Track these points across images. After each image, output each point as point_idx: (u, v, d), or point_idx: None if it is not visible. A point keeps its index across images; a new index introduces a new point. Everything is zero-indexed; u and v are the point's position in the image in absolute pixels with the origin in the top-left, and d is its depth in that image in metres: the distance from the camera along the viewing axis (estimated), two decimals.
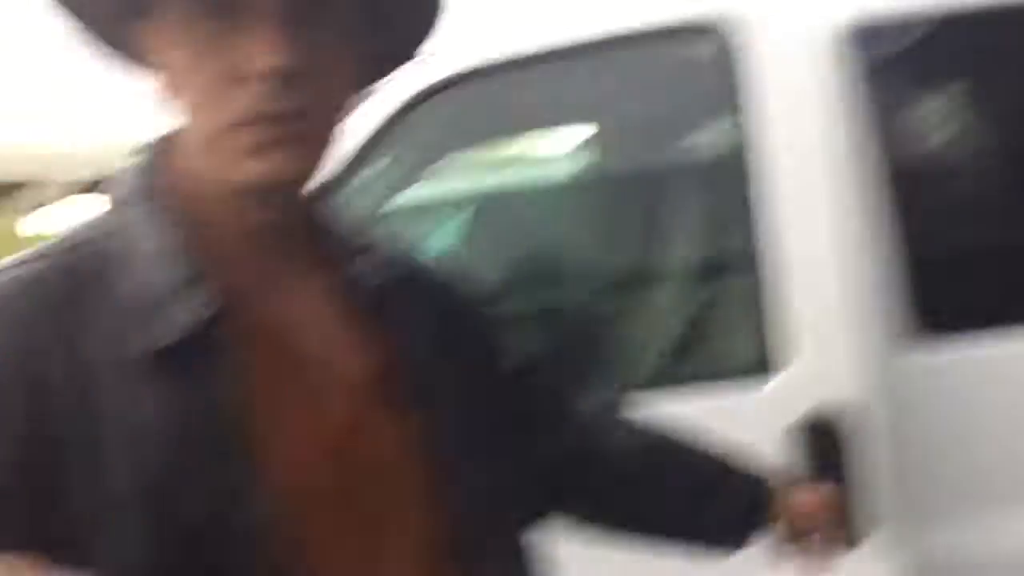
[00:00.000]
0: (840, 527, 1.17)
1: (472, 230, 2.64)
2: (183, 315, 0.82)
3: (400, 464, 0.92)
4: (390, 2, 0.92)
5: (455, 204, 2.74)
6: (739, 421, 1.71)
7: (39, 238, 1.02)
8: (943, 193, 1.89)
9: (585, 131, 2.38)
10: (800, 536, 1.15)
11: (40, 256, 0.86)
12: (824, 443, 1.71)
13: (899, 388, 1.75)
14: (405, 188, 2.10)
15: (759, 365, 1.77)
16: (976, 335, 1.78)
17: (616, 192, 2.13)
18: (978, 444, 1.75)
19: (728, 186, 1.83)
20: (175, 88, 0.86)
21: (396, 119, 1.84)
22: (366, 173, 1.89)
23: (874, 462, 1.71)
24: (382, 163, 1.98)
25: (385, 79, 1.00)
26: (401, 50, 0.99)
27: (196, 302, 0.83)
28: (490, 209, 2.67)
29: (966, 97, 1.98)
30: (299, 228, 0.94)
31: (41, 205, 6.76)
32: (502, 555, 0.98)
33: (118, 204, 0.89)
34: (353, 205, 1.85)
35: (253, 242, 0.90)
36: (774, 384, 1.75)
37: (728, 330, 1.93)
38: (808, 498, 1.16)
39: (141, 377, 0.80)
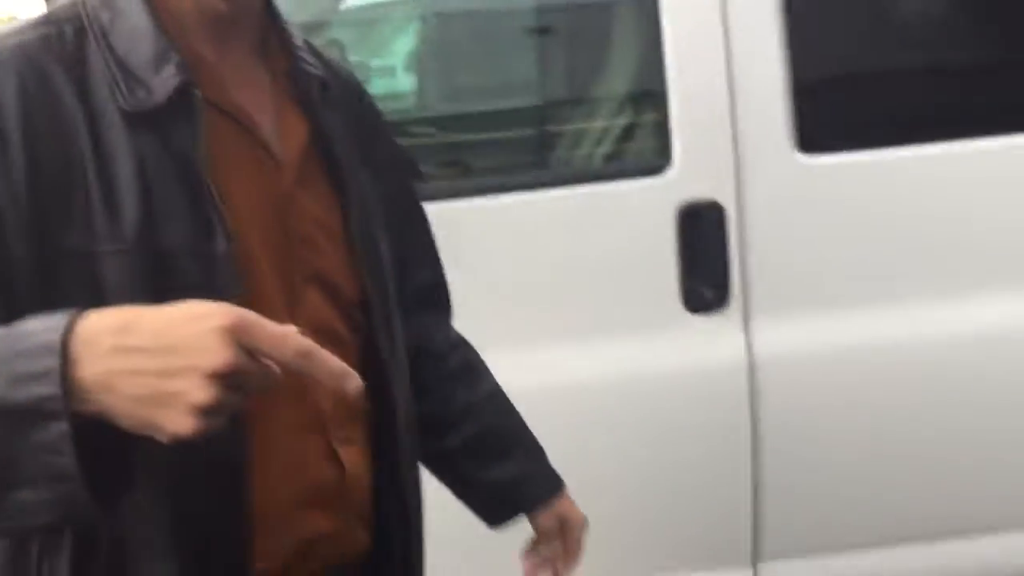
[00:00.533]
0: (574, 557, 1.34)
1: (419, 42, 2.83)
2: (164, 81, 0.94)
3: (323, 235, 1.05)
4: None
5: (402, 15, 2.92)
6: (637, 205, 1.99)
7: None
8: (825, 28, 2.09)
9: None
10: (549, 542, 1.32)
11: (45, 22, 0.97)
12: (698, 228, 1.96)
13: (772, 191, 1.99)
14: None
15: (654, 164, 2.01)
16: (845, 153, 2.02)
17: (543, 21, 2.33)
18: (829, 248, 2.00)
19: (632, 18, 2.03)
20: None
21: None
22: None
23: (741, 253, 1.97)
24: None
25: None
26: None
27: (173, 72, 0.94)
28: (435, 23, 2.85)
29: None
30: (250, 20, 1.04)
31: None
32: (395, 332, 1.12)
33: None
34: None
35: (210, 28, 1.00)
36: (661, 179, 1.98)
37: (632, 137, 2.17)
38: (573, 519, 1.33)
39: (132, 128, 0.93)
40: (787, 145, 1.98)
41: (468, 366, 1.33)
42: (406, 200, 1.24)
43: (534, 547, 1.34)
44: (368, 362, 1.06)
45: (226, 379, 0.71)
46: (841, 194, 2.01)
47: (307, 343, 0.74)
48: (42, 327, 0.74)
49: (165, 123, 0.94)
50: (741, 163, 1.98)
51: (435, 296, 1.30)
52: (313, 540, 1.01)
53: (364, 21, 2.71)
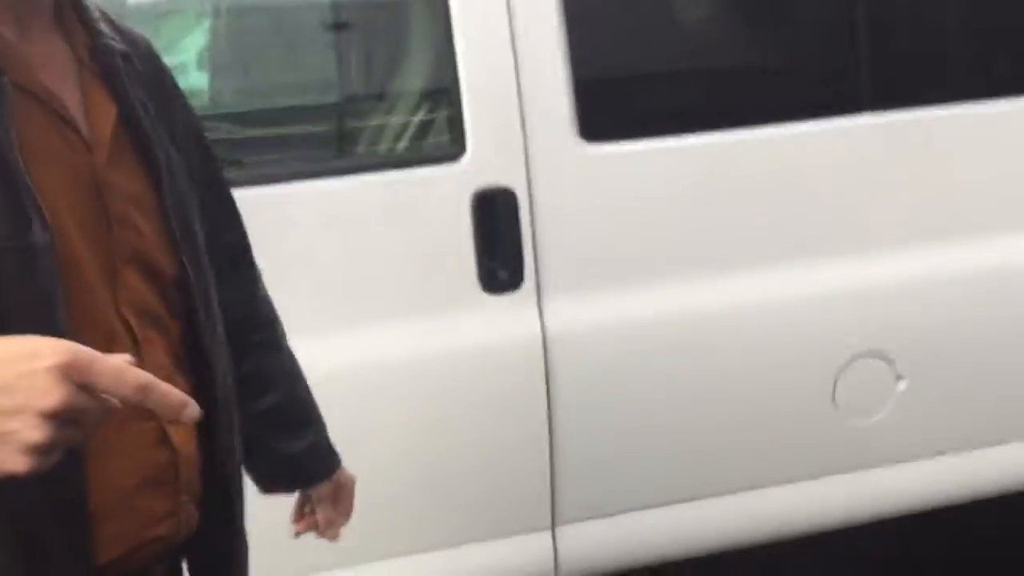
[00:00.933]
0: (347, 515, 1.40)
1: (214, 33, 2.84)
2: None
3: (138, 213, 1.04)
4: None
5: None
6: (430, 195, 2.10)
7: None
8: (610, 20, 2.26)
9: None
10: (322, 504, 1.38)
11: None
12: (493, 217, 2.09)
13: (560, 177, 2.14)
14: None
15: (450, 154, 2.12)
16: (627, 141, 2.19)
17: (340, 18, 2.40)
18: (612, 229, 2.17)
19: (425, 17, 2.14)
20: None
21: None
22: None
23: (533, 236, 2.11)
24: None
25: None
26: None
27: None
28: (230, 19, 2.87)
29: None
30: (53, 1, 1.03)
31: None
32: (213, 307, 1.13)
33: None
34: None
35: (7, 6, 0.98)
36: (456, 167, 2.09)
37: (429, 130, 2.27)
38: (347, 483, 1.39)
39: None
40: (570, 135, 2.13)
41: (279, 336, 1.37)
42: (205, 162, 1.24)
43: (304, 509, 1.40)
44: (189, 339, 1.09)
45: (61, 417, 0.72)
46: (621, 179, 2.18)
47: (145, 377, 0.75)
48: None
49: None
50: (529, 152, 2.11)
51: (245, 256, 1.32)
52: (154, 523, 1.02)
53: (154, 16, 2.70)
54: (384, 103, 2.34)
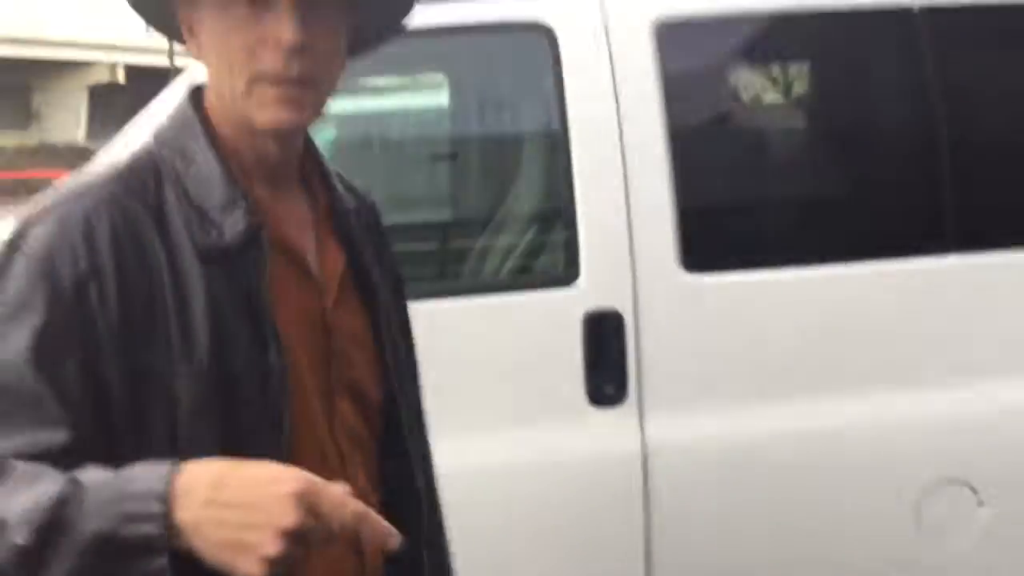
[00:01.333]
0: None
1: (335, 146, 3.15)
2: (234, 223, 1.10)
3: (356, 347, 1.21)
4: (372, 11, 1.20)
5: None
6: (547, 315, 2.33)
7: None
8: (715, 159, 2.47)
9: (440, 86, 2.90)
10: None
11: (129, 173, 1.12)
12: (601, 336, 2.28)
13: (663, 303, 2.33)
14: None
15: (565, 277, 2.33)
16: (726, 272, 2.38)
17: (462, 141, 2.66)
18: (711, 353, 2.35)
19: (550, 148, 2.38)
20: (208, 51, 1.13)
21: None
22: None
23: (637, 355, 2.30)
24: None
25: (368, 51, 1.28)
26: (379, 32, 1.28)
27: (242, 215, 1.10)
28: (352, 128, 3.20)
29: (738, 85, 2.57)
30: (296, 160, 1.21)
31: None
32: (415, 430, 1.30)
33: (176, 135, 1.15)
34: None
35: (265, 170, 1.16)
36: (571, 290, 2.30)
37: (545, 252, 2.50)
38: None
39: (205, 264, 1.08)
40: (674, 264, 2.33)
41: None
42: (401, 311, 1.39)
43: None
44: (390, 458, 1.25)
45: (294, 536, 0.88)
46: (719, 307, 2.36)
47: (361, 508, 0.92)
48: (147, 474, 0.92)
49: (234, 259, 1.10)
50: (637, 279, 2.31)
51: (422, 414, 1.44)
52: None
53: None
54: (505, 225, 2.57)
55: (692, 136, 2.40)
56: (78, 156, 25.07)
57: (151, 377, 1.05)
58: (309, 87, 1.12)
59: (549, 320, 2.31)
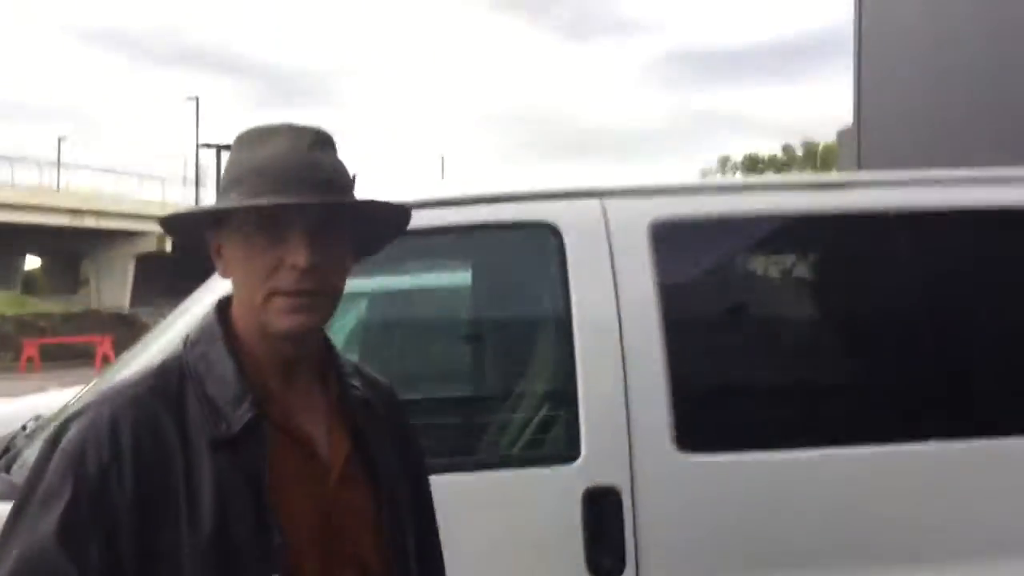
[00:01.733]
0: None
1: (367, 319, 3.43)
2: (241, 416, 1.30)
3: (359, 523, 1.37)
4: (374, 226, 1.47)
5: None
6: (550, 491, 2.49)
7: None
8: (706, 347, 2.69)
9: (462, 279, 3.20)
10: None
11: (157, 374, 1.36)
12: (601, 512, 2.45)
13: (660, 482, 2.50)
14: None
15: (567, 455, 2.52)
16: (718, 453, 2.56)
17: (477, 325, 2.91)
18: (704, 527, 2.50)
19: (554, 334, 2.62)
20: (234, 270, 1.36)
21: None
22: None
23: (634, 530, 2.46)
24: None
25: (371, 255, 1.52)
26: (372, 248, 1.52)
27: (247, 408, 1.31)
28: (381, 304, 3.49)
29: (728, 276, 2.82)
30: (312, 358, 1.41)
31: None
32: None
33: (201, 341, 1.39)
34: None
35: (280, 367, 1.37)
36: (572, 467, 2.49)
37: (549, 431, 2.69)
38: None
39: (214, 452, 1.28)
40: (669, 445, 2.51)
41: None
42: (420, 493, 1.58)
43: None
44: None
45: None
46: (710, 485, 2.53)
47: None
48: None
49: (240, 448, 1.30)
50: (633, 458, 2.50)
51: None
52: None
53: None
54: (515, 404, 2.78)
55: (685, 325, 2.62)
56: (121, 322, 25.94)
57: (161, 550, 1.25)
58: (319, 297, 1.35)
59: (553, 495, 2.49)
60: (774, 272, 2.98)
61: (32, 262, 49.35)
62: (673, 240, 2.66)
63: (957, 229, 2.73)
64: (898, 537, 2.55)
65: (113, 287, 39.45)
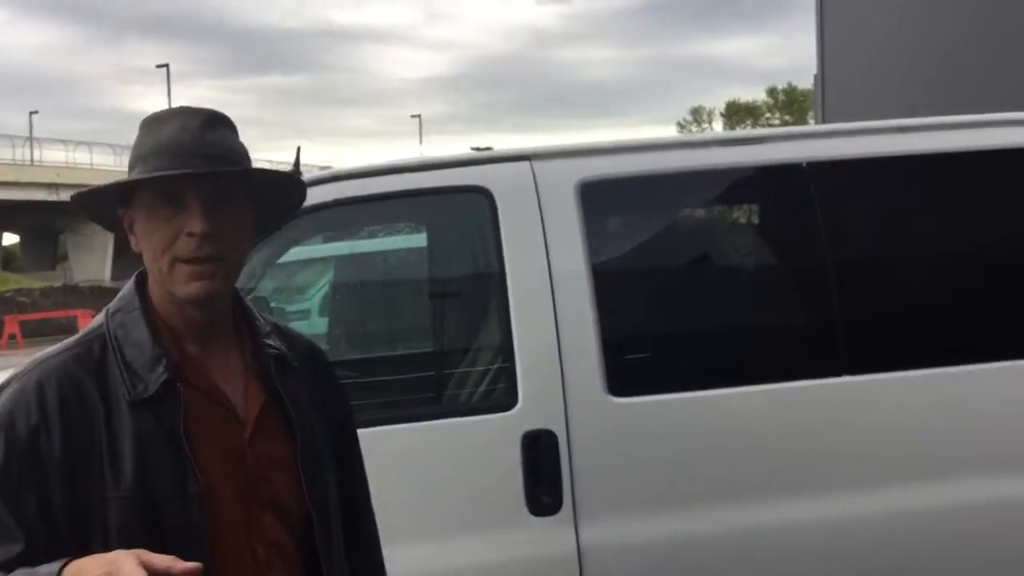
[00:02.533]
0: None
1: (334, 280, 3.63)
2: (157, 377, 1.43)
3: (276, 470, 1.48)
4: (274, 199, 1.58)
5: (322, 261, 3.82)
6: (491, 436, 2.68)
7: None
8: (633, 298, 2.87)
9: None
10: None
11: (80, 341, 1.48)
12: (539, 454, 2.65)
13: (593, 424, 2.69)
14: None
15: (506, 403, 2.71)
16: (644, 395, 2.75)
17: (419, 285, 3.09)
18: (635, 465, 2.70)
19: (491, 291, 2.80)
20: (143, 242, 1.47)
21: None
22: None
23: (572, 468, 2.65)
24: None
25: (272, 231, 1.71)
26: (276, 221, 1.65)
27: (162, 370, 1.43)
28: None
29: (653, 231, 2.99)
30: (224, 321, 1.53)
31: None
32: (334, 542, 1.55)
33: (120, 310, 1.51)
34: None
35: (194, 331, 1.50)
36: (511, 414, 2.68)
37: (489, 382, 2.88)
38: None
39: (134, 411, 1.40)
40: (600, 391, 2.70)
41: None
42: (344, 440, 1.70)
43: None
44: (312, 567, 1.53)
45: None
46: (640, 425, 2.72)
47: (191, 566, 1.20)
48: (46, 570, 1.27)
49: (157, 406, 1.43)
50: (568, 403, 2.68)
51: (367, 511, 1.78)
52: None
53: (286, 274, 3.49)
54: (454, 360, 2.96)
55: (613, 279, 2.80)
56: (102, 295, 25.98)
57: (88, 502, 1.39)
58: (219, 264, 1.46)
59: (493, 440, 2.67)
60: (697, 226, 3.15)
61: (10, 238, 49.15)
62: (600, 198, 2.83)
63: (861, 176, 2.92)
64: (817, 467, 2.76)
65: (93, 261, 39.33)
